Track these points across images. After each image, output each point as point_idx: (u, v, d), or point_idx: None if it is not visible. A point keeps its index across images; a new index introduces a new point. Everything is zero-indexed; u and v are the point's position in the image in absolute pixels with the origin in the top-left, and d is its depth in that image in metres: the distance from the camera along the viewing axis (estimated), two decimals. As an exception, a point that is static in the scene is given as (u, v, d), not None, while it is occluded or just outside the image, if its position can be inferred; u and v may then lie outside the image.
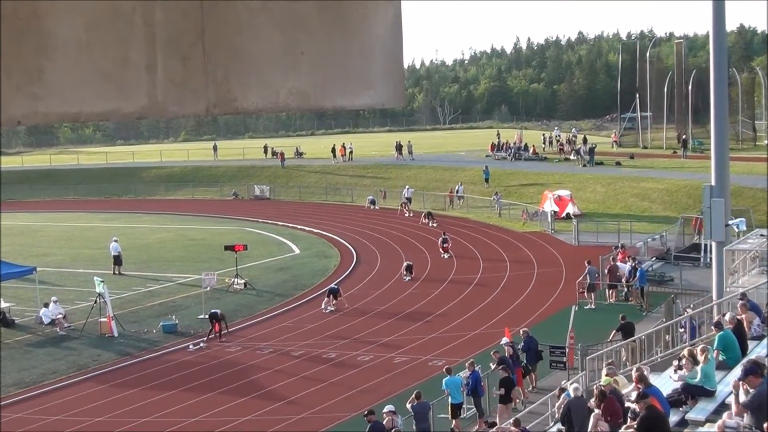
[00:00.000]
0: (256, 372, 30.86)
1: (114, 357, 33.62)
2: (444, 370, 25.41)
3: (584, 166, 75.85)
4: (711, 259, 30.51)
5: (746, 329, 20.83)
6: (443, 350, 31.83)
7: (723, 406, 16.85)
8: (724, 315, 21.70)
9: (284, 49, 2.60)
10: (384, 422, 21.68)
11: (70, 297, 42.66)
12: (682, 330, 25.34)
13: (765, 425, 13.86)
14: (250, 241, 52.30)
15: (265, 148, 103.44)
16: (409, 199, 68.76)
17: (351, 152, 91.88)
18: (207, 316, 36.24)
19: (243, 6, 2.51)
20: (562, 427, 18.92)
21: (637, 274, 37.18)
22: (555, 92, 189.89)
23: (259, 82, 2.54)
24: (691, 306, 30.05)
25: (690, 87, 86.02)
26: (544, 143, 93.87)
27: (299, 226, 64.98)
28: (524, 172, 74.77)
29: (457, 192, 70.13)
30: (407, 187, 71.19)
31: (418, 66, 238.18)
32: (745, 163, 65.46)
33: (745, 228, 30.97)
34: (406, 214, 66.97)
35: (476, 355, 29.29)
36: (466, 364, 25.58)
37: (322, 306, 39.14)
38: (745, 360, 17.52)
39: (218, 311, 35.78)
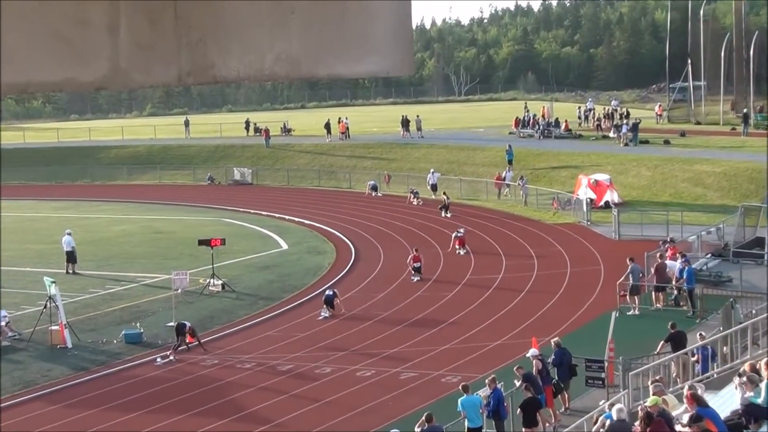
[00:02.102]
0: (236, 390, 30.88)
1: (67, 372, 33.64)
2: (460, 387, 25.39)
3: (626, 145, 75.70)
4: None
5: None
6: (458, 364, 31.83)
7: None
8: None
9: (271, 7, 2.59)
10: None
11: (15, 301, 42.67)
12: (693, 359, 25.38)
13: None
14: (228, 235, 52.23)
15: (247, 123, 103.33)
16: (434, 187, 68.49)
17: (348, 128, 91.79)
18: (174, 325, 36.12)
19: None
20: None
21: (685, 274, 37.15)
22: (591, 57, 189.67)
23: (241, 45, 2.53)
24: (753, 311, 30.04)
25: (751, 51, 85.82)
26: (579, 118, 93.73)
27: (287, 217, 64.92)
28: (555, 153, 74.64)
29: (505, 179, 67.75)
30: (432, 171, 70.72)
31: (428, 26, 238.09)
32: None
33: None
34: (414, 203, 66.93)
35: (498, 371, 29.25)
36: (486, 381, 25.57)
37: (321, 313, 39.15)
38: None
39: (187, 323, 35.56)
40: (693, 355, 25.52)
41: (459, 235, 50.90)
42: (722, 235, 47.15)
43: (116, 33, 2.32)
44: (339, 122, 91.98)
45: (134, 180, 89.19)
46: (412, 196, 67.77)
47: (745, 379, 18.49)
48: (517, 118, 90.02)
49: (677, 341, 28.58)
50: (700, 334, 27.30)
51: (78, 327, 38.16)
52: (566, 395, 27.76)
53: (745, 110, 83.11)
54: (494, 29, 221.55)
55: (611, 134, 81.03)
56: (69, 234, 50.21)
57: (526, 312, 38.13)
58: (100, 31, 2.30)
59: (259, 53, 2.56)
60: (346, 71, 2.72)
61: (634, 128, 77.97)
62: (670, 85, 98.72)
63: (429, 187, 68.99)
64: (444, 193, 63.62)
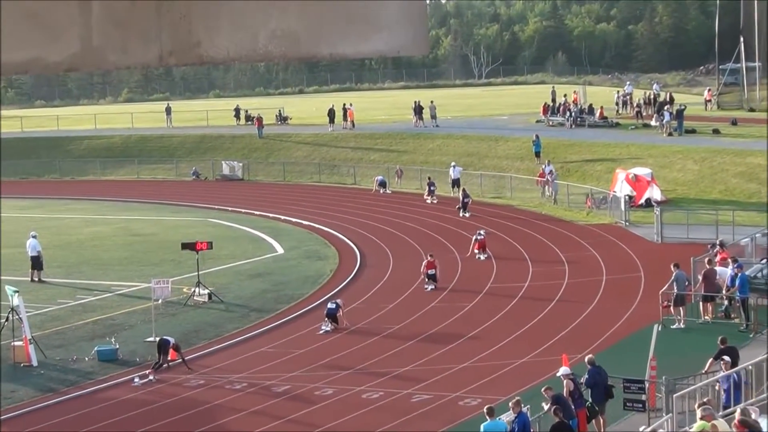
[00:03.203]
0: (224, 414, 30.87)
1: (33, 394, 33.65)
2: (484, 411, 25.32)
3: (670, 134, 75.61)
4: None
5: None
6: (479, 385, 31.80)
7: None
8: None
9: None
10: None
11: (-26, 313, 42.75)
12: (717, 387, 25.30)
13: None
14: (216, 237, 52.25)
15: (237, 111, 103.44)
16: (456, 182, 68.40)
17: (353, 116, 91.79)
18: (156, 341, 36.11)
19: None
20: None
21: (737, 281, 37.06)
22: (630, 35, 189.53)
23: (231, 22, 2.52)
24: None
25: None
26: (616, 104, 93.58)
27: (283, 217, 64.94)
28: (588, 144, 74.57)
29: (551, 173, 66.27)
30: (453, 164, 70.64)
31: (444, 0, 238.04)
32: None
33: None
34: (428, 201, 66.93)
35: (523, 392, 29.24)
36: (511, 404, 25.52)
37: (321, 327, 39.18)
38: None
39: (171, 339, 35.56)
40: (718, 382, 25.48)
41: (479, 237, 50.85)
42: (780, 237, 47.06)
43: (88, 7, 2.31)
44: (345, 109, 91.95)
45: (109, 175, 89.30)
46: (428, 191, 67.76)
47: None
48: (545, 104, 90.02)
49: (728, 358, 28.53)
50: (723, 359, 27.15)
51: (44, 343, 38.17)
52: (601, 420, 27.69)
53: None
54: (519, 3, 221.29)
55: (653, 122, 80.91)
56: (34, 237, 50.25)
57: (555, 325, 38.07)
58: (70, 5, 2.29)
59: (252, 30, 2.55)
60: (351, 50, 2.71)
61: (679, 116, 77.85)
62: (720, 67, 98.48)
63: (450, 183, 68.95)
64: (463, 190, 63.52)
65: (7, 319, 37.29)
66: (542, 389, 26.54)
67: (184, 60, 2.46)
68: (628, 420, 27.76)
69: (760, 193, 59.84)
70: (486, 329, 38.17)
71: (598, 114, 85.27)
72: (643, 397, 27.54)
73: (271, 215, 66.04)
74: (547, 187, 66.09)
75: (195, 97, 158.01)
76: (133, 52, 2.44)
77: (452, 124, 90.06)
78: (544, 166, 67.30)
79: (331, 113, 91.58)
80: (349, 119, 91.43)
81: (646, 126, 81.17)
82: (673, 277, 37.78)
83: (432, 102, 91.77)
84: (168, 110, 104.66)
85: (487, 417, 24.75)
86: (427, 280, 44.91)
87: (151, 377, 34.39)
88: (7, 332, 37.19)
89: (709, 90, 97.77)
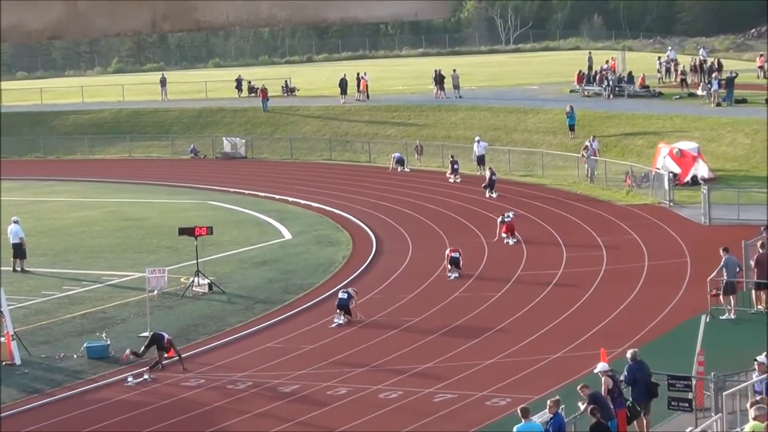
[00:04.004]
0: (226, 417, 30.93)
1: (16, 395, 33.71)
2: (518, 411, 25.29)
3: (718, 105, 75.37)
4: None
5: None
6: (508, 383, 31.80)
7: None
8: None
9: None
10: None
11: (-49, 306, 42.89)
12: (758, 393, 25.20)
13: None
14: (216, 222, 52.29)
15: (239, 82, 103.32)
16: (481, 159, 68.30)
17: (367, 87, 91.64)
18: (149, 335, 36.11)
19: None
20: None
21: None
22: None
23: (231, -18, 2.52)
24: None
25: None
26: (658, 72, 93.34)
27: (290, 199, 64.97)
28: (628, 116, 74.38)
29: (586, 149, 65.29)
30: (478, 139, 70.46)
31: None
32: None
33: None
34: (451, 180, 66.86)
35: (558, 390, 29.24)
36: (549, 403, 25.49)
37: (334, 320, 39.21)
38: None
39: (164, 334, 35.48)
40: (756, 391, 25.42)
41: (507, 220, 50.79)
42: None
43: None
44: (358, 79, 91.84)
45: (98, 154, 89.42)
46: (451, 170, 67.64)
47: None
48: (580, 72, 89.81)
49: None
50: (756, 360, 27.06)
51: (28, 339, 38.26)
52: (644, 421, 27.67)
53: None
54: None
55: (699, 92, 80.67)
56: (16, 222, 50.37)
57: (592, 317, 38.06)
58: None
59: (254, -8, 2.55)
60: (364, 14, 2.71)
61: (729, 84, 77.55)
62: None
63: (474, 160, 68.87)
64: (489, 169, 63.44)
65: (-13, 313, 37.38)
66: (578, 387, 26.55)
67: (179, 26, 2.46)
68: (673, 420, 27.76)
69: (819, 170, 59.74)
70: (515, 321, 38.18)
71: (638, 83, 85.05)
72: (690, 396, 27.54)
73: (277, 197, 66.05)
74: (585, 164, 65.61)
75: (192, 67, 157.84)
76: (123, 17, 2.45)
77: (477, 95, 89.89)
78: (588, 141, 66.86)
79: (343, 84, 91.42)
80: (362, 90, 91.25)
81: (692, 96, 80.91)
82: (722, 263, 37.71)
83: (454, 70, 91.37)
84: (163, 82, 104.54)
85: (522, 418, 24.74)
86: (450, 267, 44.88)
87: (146, 376, 34.42)
88: (-12, 327, 37.32)
89: (762, 55, 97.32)
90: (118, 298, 44.42)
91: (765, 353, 26.38)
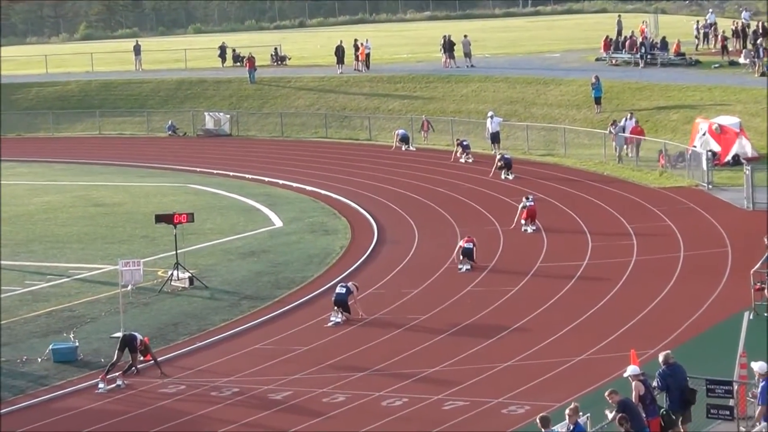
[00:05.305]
0: (210, 427, 30.93)
1: (-26, 403, 33.87)
2: (537, 421, 25.34)
3: (763, 74, 75.33)
4: None
5: None
6: (526, 389, 31.87)
7: None
8: None
9: None
10: None
11: None
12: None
13: None
14: (198, 208, 52.40)
15: (222, 50, 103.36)
16: (495, 136, 68.30)
17: (368, 55, 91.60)
18: (120, 336, 36.03)
19: None
20: None
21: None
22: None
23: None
24: None
25: None
26: (696, 37, 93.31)
27: (281, 181, 65.04)
28: (662, 87, 74.40)
29: (614, 124, 65.06)
30: (491, 114, 70.35)
31: None
32: None
33: None
34: (462, 160, 66.87)
35: (582, 397, 29.33)
36: (567, 412, 25.60)
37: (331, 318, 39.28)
38: None
39: (137, 335, 35.30)
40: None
41: (527, 205, 50.83)
42: None
43: None
44: (357, 46, 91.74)
45: (64, 131, 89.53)
46: (460, 150, 67.63)
47: None
48: (607, 37, 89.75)
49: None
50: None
51: (-13, 339, 38.42)
52: (681, 431, 27.74)
53: None
54: None
55: (742, 60, 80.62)
56: (-27, 208, 50.44)
57: (621, 314, 38.12)
58: None
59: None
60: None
61: (775, 51, 77.72)
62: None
63: (488, 138, 68.89)
64: (501, 154, 63.33)
65: (-60, 311, 37.50)
66: (605, 393, 26.57)
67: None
68: (713, 430, 27.82)
69: None
70: (534, 319, 38.27)
71: (673, 49, 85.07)
72: (731, 402, 27.56)
73: (266, 179, 66.15)
74: (627, 146, 65.36)
75: (170, 33, 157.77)
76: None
77: (491, 64, 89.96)
78: (625, 119, 66.53)
79: (340, 52, 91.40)
80: (361, 59, 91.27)
81: (734, 64, 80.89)
82: (767, 253, 37.77)
83: (466, 36, 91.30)
84: (137, 49, 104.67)
85: (542, 428, 24.78)
86: (461, 258, 44.93)
87: (119, 382, 34.47)
88: (-59, 327, 37.44)
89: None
90: (88, 293, 44.51)
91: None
